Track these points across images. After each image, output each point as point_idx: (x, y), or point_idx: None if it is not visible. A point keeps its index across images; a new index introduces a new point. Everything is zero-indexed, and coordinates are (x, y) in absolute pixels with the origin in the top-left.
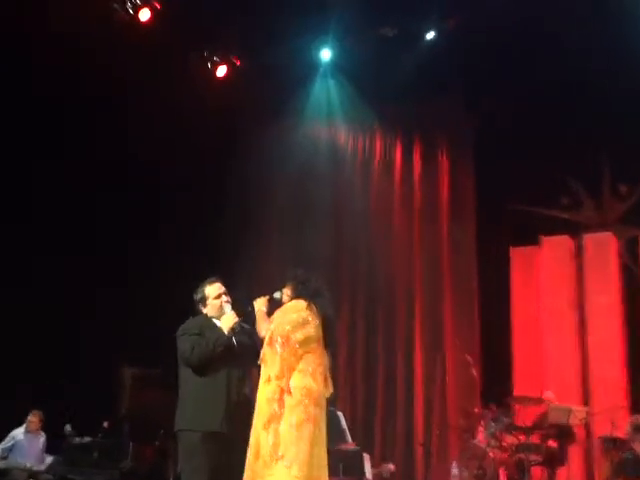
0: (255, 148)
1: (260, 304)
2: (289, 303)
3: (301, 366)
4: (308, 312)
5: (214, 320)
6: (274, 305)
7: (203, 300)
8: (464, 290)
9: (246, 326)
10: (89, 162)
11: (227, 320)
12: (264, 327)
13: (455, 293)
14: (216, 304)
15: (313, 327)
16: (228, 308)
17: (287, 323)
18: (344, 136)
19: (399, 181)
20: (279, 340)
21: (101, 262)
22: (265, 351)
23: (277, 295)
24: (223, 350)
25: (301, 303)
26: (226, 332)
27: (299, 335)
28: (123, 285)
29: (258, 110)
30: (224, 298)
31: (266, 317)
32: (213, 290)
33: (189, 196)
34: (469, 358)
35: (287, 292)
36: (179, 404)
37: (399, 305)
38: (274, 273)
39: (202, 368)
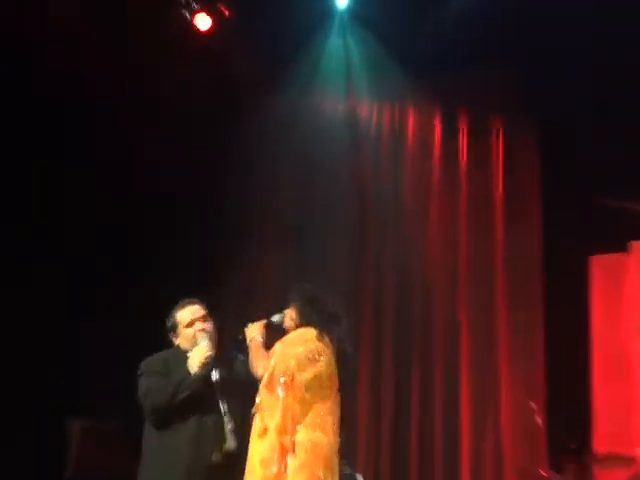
0: (251, 128)
1: (254, 331)
2: (294, 332)
3: (310, 417)
4: (319, 344)
5: (189, 354)
6: (275, 332)
7: (174, 328)
8: (526, 313)
9: (241, 357)
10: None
11: (197, 354)
12: (261, 363)
13: (514, 318)
14: (188, 334)
15: (325, 365)
16: (203, 339)
17: (292, 358)
18: (367, 111)
19: (439, 171)
20: (281, 381)
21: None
22: (262, 395)
23: (277, 319)
24: (191, 394)
25: (310, 332)
26: (194, 371)
27: (307, 374)
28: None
29: (253, 77)
30: (198, 326)
31: (263, 349)
32: (185, 315)
33: (175, 199)
34: (532, 403)
35: (291, 315)
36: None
37: (439, 334)
38: (273, 288)
39: (161, 419)
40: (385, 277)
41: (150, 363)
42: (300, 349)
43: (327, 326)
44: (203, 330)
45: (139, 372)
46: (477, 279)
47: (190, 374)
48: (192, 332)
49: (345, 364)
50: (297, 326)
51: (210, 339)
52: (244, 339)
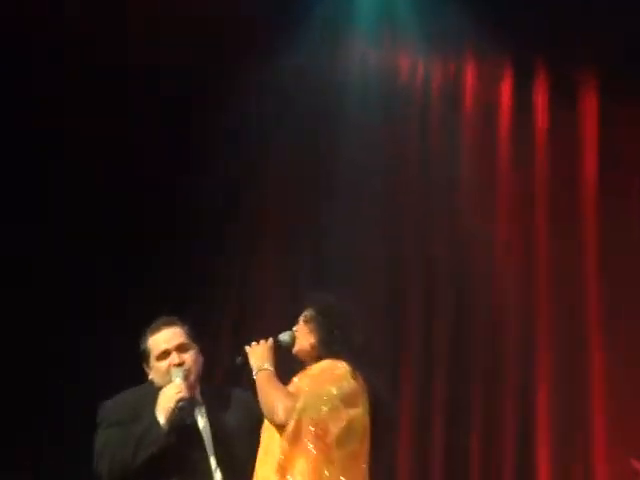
0: (251, 89)
1: (260, 356)
2: (321, 364)
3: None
4: (354, 384)
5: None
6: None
7: (145, 358)
8: (626, 339)
9: (239, 391)
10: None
11: (165, 398)
12: (281, 403)
13: (610, 344)
14: (161, 367)
15: (360, 414)
16: (178, 376)
17: (323, 402)
18: (409, 66)
19: (507, 143)
20: (312, 432)
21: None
22: (284, 449)
23: (286, 338)
24: (161, 450)
25: (341, 366)
26: (162, 421)
27: (341, 425)
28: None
29: (254, 24)
30: (174, 358)
31: (278, 383)
32: (158, 342)
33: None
34: (636, 463)
35: (309, 339)
36: None
37: (509, 369)
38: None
39: None
40: (436, 290)
41: (114, 405)
42: (333, 390)
43: (355, 360)
44: (181, 364)
45: (98, 419)
46: (561, 291)
47: (158, 423)
48: (166, 366)
49: (379, 415)
50: (316, 353)
51: (186, 377)
52: (246, 364)
